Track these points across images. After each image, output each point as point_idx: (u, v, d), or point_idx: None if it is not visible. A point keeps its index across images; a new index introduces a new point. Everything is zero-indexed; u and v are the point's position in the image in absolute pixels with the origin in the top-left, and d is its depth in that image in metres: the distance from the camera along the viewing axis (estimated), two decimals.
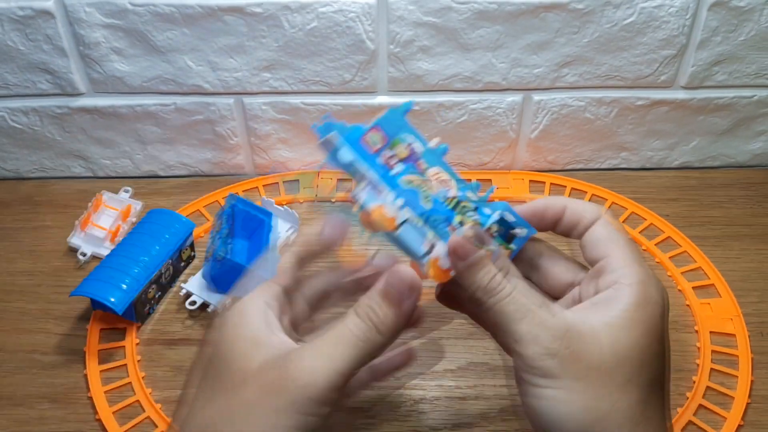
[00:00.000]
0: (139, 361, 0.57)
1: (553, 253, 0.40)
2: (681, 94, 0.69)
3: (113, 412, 0.53)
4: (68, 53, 0.65)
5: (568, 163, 0.75)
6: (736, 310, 0.59)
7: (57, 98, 0.69)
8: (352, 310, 0.34)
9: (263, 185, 0.73)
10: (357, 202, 0.36)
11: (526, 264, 0.40)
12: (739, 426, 0.52)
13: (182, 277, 0.64)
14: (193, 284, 0.60)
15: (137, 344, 0.58)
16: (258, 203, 0.64)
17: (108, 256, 0.60)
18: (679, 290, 0.62)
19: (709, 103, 0.70)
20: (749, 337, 0.57)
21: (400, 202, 0.36)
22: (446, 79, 0.67)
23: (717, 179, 0.74)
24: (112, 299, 0.55)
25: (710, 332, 0.58)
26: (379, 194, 0.36)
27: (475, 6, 0.62)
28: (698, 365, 0.55)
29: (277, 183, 0.73)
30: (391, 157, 0.36)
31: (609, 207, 0.70)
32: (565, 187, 0.72)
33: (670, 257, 0.65)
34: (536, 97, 0.69)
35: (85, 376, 0.56)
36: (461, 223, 0.37)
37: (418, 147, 0.37)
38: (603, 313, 0.34)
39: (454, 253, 0.35)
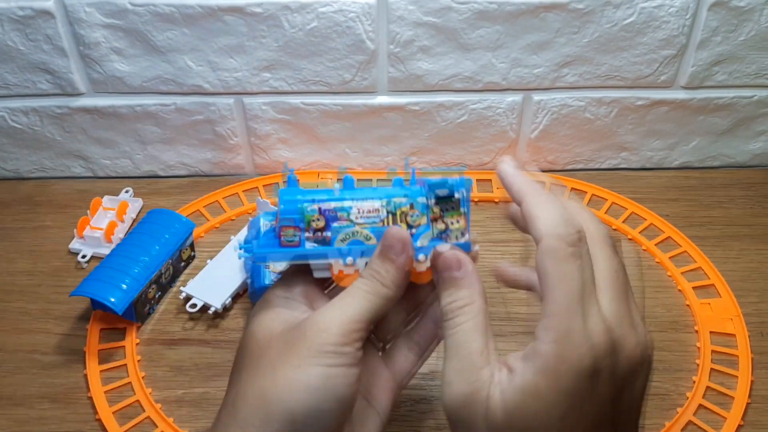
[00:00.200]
0: (139, 361, 0.57)
1: None
2: (681, 94, 0.69)
3: (113, 412, 0.53)
4: (68, 53, 0.65)
5: (568, 163, 0.75)
6: (736, 310, 0.59)
7: (57, 98, 0.69)
8: (359, 275, 0.37)
9: (263, 185, 0.73)
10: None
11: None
12: (739, 426, 0.52)
13: (182, 277, 0.64)
14: (193, 287, 0.60)
15: (137, 344, 0.58)
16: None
17: (108, 256, 0.60)
18: (679, 290, 0.62)
19: (709, 103, 0.70)
20: (749, 337, 0.57)
21: (350, 260, 0.37)
22: (446, 79, 0.67)
23: (717, 179, 0.74)
24: (112, 299, 0.55)
25: (710, 332, 0.58)
26: (330, 267, 0.38)
27: (475, 6, 0.62)
28: (698, 365, 0.55)
29: (277, 183, 0.73)
30: (315, 233, 0.38)
31: (609, 207, 0.70)
32: (566, 187, 0.72)
33: (670, 257, 0.65)
34: (536, 97, 0.69)
35: (85, 376, 0.56)
36: (410, 226, 0.38)
37: (327, 206, 0.38)
38: (520, 373, 0.32)
39: (434, 267, 0.37)
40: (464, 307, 0.34)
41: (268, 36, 0.64)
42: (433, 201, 0.38)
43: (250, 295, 0.59)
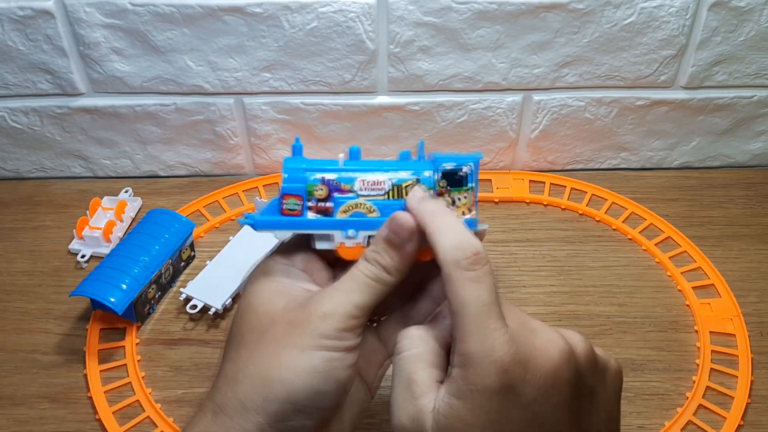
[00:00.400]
0: (139, 361, 0.57)
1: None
2: (681, 94, 0.69)
3: (113, 412, 0.53)
4: (68, 53, 0.65)
5: (568, 163, 0.75)
6: (736, 310, 0.59)
7: (57, 98, 0.69)
8: (362, 257, 0.37)
9: (263, 185, 0.73)
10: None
11: None
12: (739, 426, 0.52)
13: (182, 277, 0.64)
14: (194, 288, 0.60)
15: (137, 344, 0.58)
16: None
17: (108, 256, 0.60)
18: (679, 290, 0.62)
19: (709, 103, 0.70)
20: (749, 337, 0.57)
21: (351, 233, 0.37)
22: (446, 79, 0.67)
23: (717, 179, 0.74)
24: (112, 299, 0.55)
25: (710, 332, 0.58)
26: (332, 239, 0.38)
27: (475, 6, 0.62)
28: (698, 365, 0.55)
29: (277, 183, 0.73)
30: (318, 203, 0.37)
31: (609, 207, 0.70)
32: (565, 187, 0.72)
33: (670, 257, 0.65)
34: (536, 97, 0.69)
35: (85, 375, 0.56)
36: None
37: (331, 176, 0.37)
38: (443, 398, 0.32)
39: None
40: (411, 333, 0.35)
41: (268, 36, 0.64)
42: (439, 175, 0.38)
43: None
